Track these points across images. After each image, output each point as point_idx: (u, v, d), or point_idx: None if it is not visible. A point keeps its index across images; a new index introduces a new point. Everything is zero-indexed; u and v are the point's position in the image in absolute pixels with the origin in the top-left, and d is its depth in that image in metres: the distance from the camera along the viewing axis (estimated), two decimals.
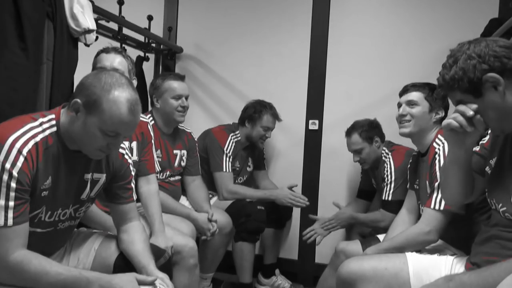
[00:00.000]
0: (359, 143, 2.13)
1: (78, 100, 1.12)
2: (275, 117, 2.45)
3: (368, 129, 2.15)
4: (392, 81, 2.22)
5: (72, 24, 1.66)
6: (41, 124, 1.14)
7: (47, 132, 1.14)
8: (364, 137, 2.13)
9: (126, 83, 1.15)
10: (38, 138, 1.11)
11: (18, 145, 1.06)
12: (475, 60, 1.04)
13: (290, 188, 2.34)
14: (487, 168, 1.22)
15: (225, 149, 2.36)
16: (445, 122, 1.11)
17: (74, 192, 1.25)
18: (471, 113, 1.05)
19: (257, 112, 2.40)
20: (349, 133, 2.18)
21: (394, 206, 1.94)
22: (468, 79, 1.04)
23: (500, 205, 1.12)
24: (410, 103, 1.67)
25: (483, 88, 1.04)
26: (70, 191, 1.23)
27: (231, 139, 2.41)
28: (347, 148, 2.24)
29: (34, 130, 1.11)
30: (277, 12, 2.71)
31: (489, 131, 1.28)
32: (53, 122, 1.17)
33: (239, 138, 2.46)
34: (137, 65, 2.46)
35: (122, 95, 1.12)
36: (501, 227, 1.12)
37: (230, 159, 2.37)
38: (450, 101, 1.65)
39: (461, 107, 1.07)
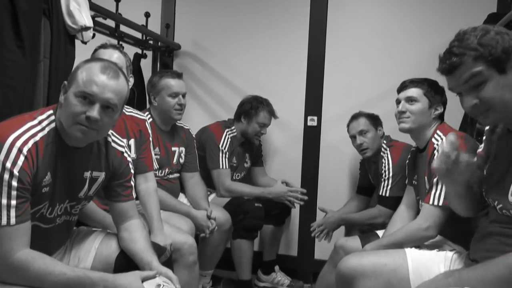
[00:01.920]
0: (366, 124, 2.15)
1: (65, 81, 1.16)
2: (272, 113, 2.44)
3: (374, 118, 2.19)
4: (391, 77, 2.20)
5: (68, 21, 1.65)
6: (40, 122, 1.14)
7: (46, 130, 1.14)
8: (370, 122, 2.16)
9: (110, 61, 1.20)
10: (37, 137, 1.11)
11: (18, 144, 1.06)
12: (507, 35, 1.02)
13: (287, 184, 2.34)
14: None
15: (220, 145, 2.34)
16: (434, 164, 1.11)
17: (72, 188, 1.24)
18: (453, 157, 1.05)
19: (254, 108, 2.39)
20: (355, 116, 2.20)
21: (391, 202, 1.95)
22: (502, 48, 1.00)
23: (497, 202, 1.12)
24: (410, 100, 1.66)
25: (508, 65, 1.01)
26: (67, 186, 1.23)
27: (226, 134, 2.39)
28: (346, 143, 2.23)
29: (34, 129, 1.11)
30: (275, 8, 2.70)
31: (484, 138, 1.27)
32: (52, 117, 1.17)
33: (235, 133, 2.45)
34: (135, 62, 2.45)
35: (98, 61, 1.17)
36: (499, 223, 1.12)
37: (227, 155, 2.35)
38: (447, 97, 1.67)
39: (447, 149, 1.06)
